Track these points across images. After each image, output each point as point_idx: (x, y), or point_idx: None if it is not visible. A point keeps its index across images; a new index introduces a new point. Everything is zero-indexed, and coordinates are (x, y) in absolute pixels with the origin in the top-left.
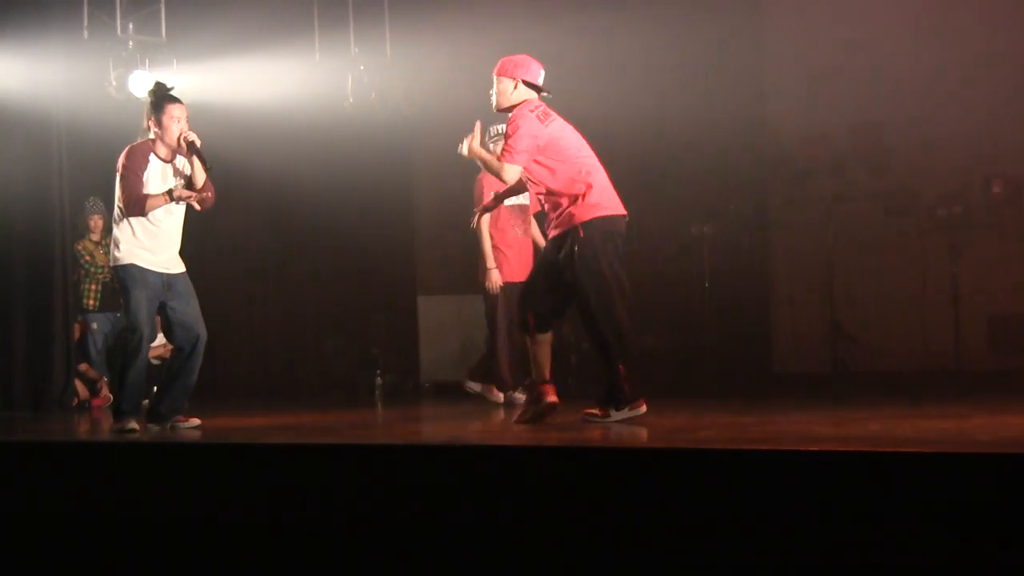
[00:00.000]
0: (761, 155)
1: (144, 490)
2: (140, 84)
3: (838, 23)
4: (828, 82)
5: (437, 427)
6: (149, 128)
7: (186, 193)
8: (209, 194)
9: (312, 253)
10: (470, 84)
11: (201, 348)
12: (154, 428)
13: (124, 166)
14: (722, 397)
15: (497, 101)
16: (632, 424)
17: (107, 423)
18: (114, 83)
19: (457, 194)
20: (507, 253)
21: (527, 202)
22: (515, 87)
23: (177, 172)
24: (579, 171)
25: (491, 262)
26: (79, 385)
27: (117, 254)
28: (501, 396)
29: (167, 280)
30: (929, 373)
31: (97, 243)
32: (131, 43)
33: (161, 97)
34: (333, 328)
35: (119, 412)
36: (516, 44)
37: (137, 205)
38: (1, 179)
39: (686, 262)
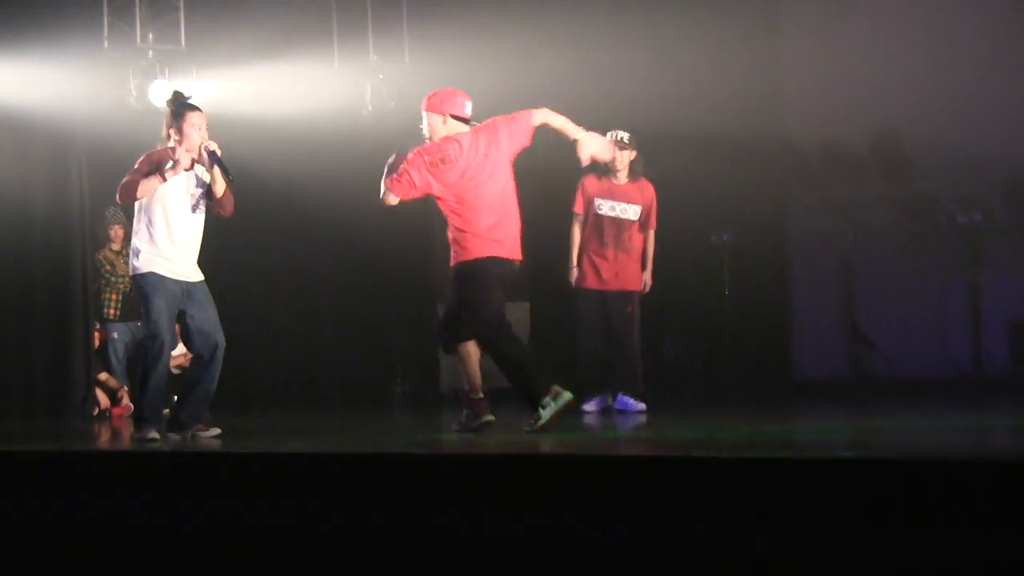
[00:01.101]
0: (780, 162)
1: (165, 499)
2: (160, 93)
3: (857, 29)
4: (847, 88)
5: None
6: (169, 137)
7: (174, 173)
8: (228, 203)
9: (331, 262)
10: (489, 91)
11: (220, 355)
12: (175, 437)
13: (138, 162)
14: (742, 404)
15: (429, 136)
16: (652, 432)
17: (127, 432)
18: (134, 92)
19: None
20: (596, 262)
21: (628, 216)
22: (444, 122)
23: (198, 181)
24: (478, 215)
25: (572, 262)
26: (100, 394)
27: (136, 263)
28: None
29: (186, 288)
30: (949, 380)
31: (117, 252)
32: (151, 52)
33: (181, 105)
34: (352, 337)
35: (140, 421)
36: (533, 51)
37: (126, 189)
38: (22, 189)
39: (706, 270)
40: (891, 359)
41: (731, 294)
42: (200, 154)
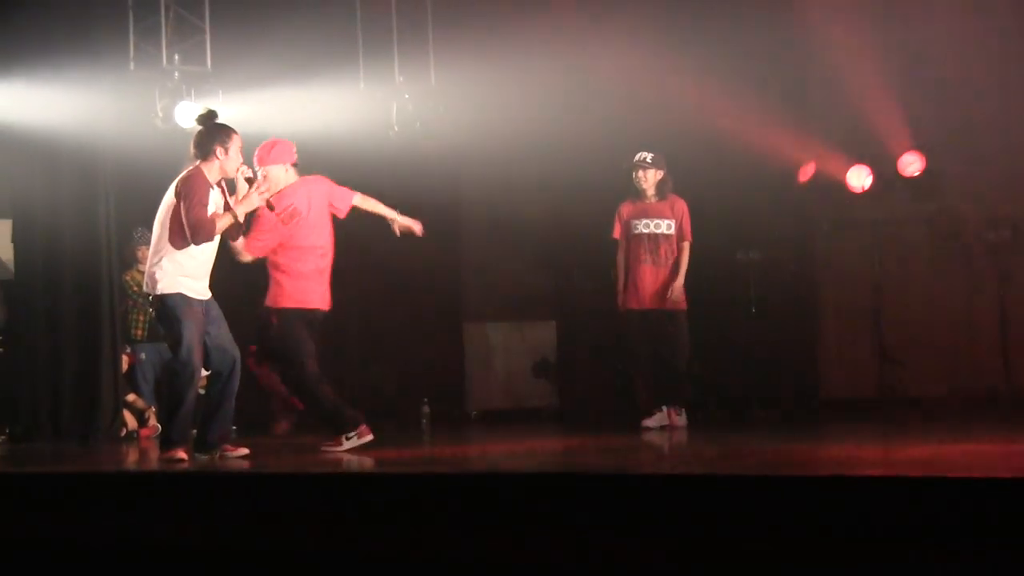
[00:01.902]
0: (807, 180)
1: (193, 520)
2: (186, 115)
3: (883, 48)
4: (873, 106)
5: (485, 455)
6: (214, 155)
7: (245, 208)
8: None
9: (357, 282)
10: (514, 111)
11: (238, 369)
12: (203, 458)
13: (187, 193)
14: (769, 423)
15: (274, 188)
16: (679, 451)
17: (155, 453)
18: (160, 114)
19: (503, 221)
20: (636, 282)
21: (661, 231)
22: (286, 171)
23: (223, 202)
24: (304, 261)
25: (618, 287)
26: (128, 415)
27: (161, 284)
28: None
29: (205, 306)
30: (978, 398)
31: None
32: (177, 74)
33: (223, 125)
34: (379, 356)
35: (168, 442)
36: (558, 72)
37: (206, 229)
38: (50, 210)
39: (733, 288)
40: (919, 376)
41: (758, 312)
42: (236, 177)
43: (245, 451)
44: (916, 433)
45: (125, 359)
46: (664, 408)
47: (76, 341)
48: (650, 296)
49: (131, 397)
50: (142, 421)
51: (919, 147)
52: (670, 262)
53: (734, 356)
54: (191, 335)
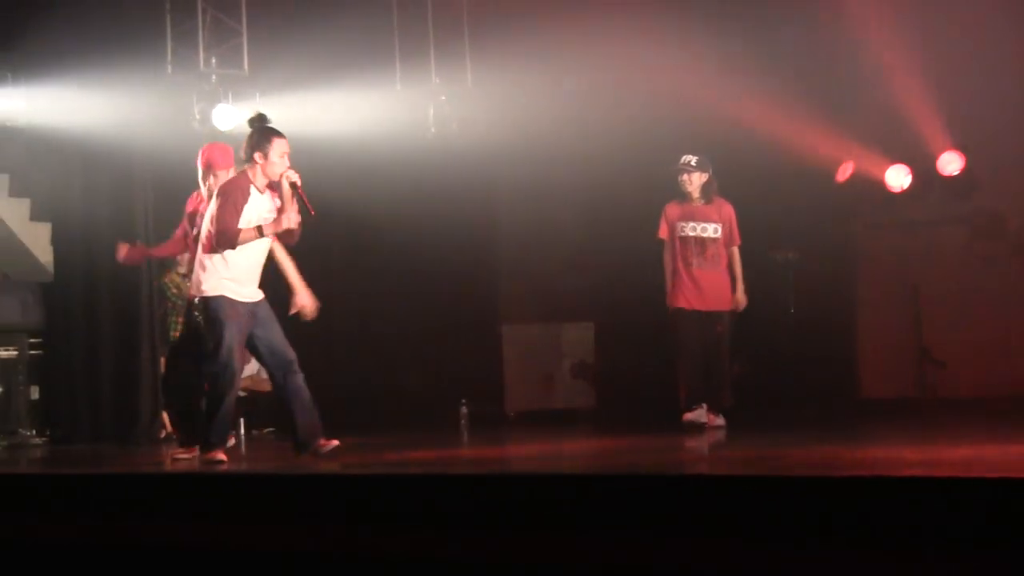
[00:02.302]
0: (846, 179)
1: (231, 521)
2: (223, 118)
3: (921, 46)
4: (912, 106)
5: (525, 457)
6: (252, 160)
7: (274, 229)
8: (297, 234)
9: (395, 284)
10: (551, 112)
11: (296, 367)
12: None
13: (222, 198)
14: (809, 423)
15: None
16: (718, 452)
17: (184, 453)
18: (198, 117)
19: (540, 222)
20: (685, 283)
21: (708, 235)
22: (229, 174)
23: (271, 206)
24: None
25: (667, 286)
26: (166, 418)
27: (205, 286)
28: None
29: (251, 309)
30: (1017, 398)
31: (184, 276)
32: (214, 77)
33: (268, 129)
34: (417, 358)
35: (208, 444)
36: (594, 74)
37: (228, 239)
38: (88, 213)
39: (772, 288)
40: (958, 376)
41: (797, 312)
42: (280, 182)
43: (335, 443)
44: (956, 433)
45: (163, 361)
46: (704, 405)
47: (115, 343)
48: (699, 297)
49: None
50: None
51: (958, 146)
52: (718, 263)
53: (772, 356)
54: (231, 337)
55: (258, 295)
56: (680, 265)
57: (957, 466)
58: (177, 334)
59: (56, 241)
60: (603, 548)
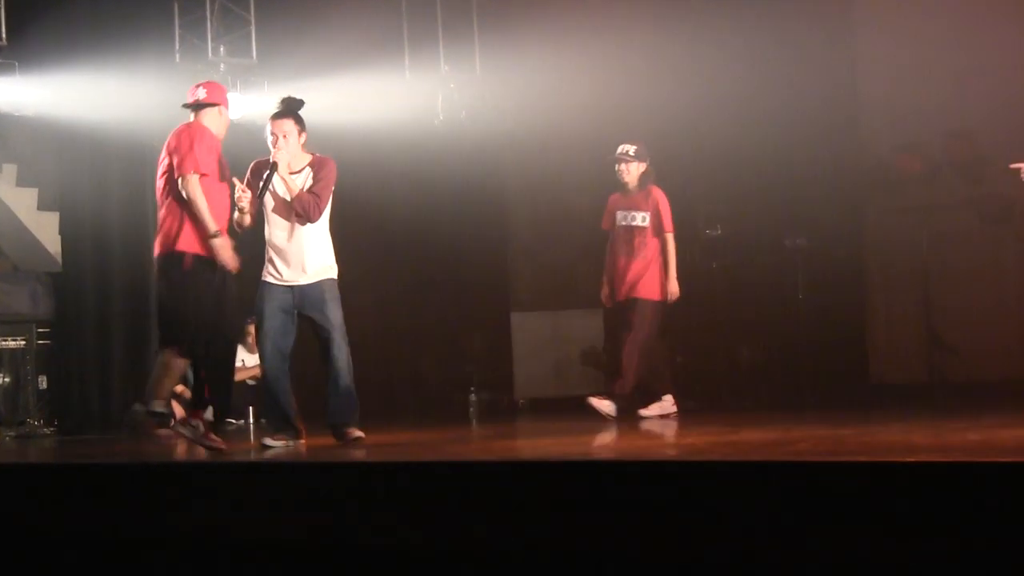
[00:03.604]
0: (855, 165)
1: (240, 509)
2: (232, 106)
3: (932, 30)
4: (922, 90)
5: (532, 444)
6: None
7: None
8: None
9: (404, 271)
10: (559, 100)
11: (335, 348)
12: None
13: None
14: (819, 408)
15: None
16: (729, 438)
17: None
18: None
19: (549, 210)
20: (611, 274)
21: (636, 223)
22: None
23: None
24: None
25: (603, 278)
26: (176, 407)
27: (330, 261)
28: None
29: (297, 292)
30: None
31: None
32: (223, 66)
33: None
34: (427, 346)
35: (283, 423)
36: (602, 60)
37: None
38: (97, 202)
39: (781, 274)
40: (969, 361)
41: (806, 298)
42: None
43: (359, 434)
44: (967, 418)
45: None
46: (663, 398)
47: (125, 333)
48: (621, 289)
49: (179, 388)
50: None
51: (968, 131)
52: (646, 253)
53: (783, 342)
54: (271, 321)
55: (305, 279)
56: (610, 257)
57: (968, 451)
58: None
59: (64, 230)
60: (614, 534)
